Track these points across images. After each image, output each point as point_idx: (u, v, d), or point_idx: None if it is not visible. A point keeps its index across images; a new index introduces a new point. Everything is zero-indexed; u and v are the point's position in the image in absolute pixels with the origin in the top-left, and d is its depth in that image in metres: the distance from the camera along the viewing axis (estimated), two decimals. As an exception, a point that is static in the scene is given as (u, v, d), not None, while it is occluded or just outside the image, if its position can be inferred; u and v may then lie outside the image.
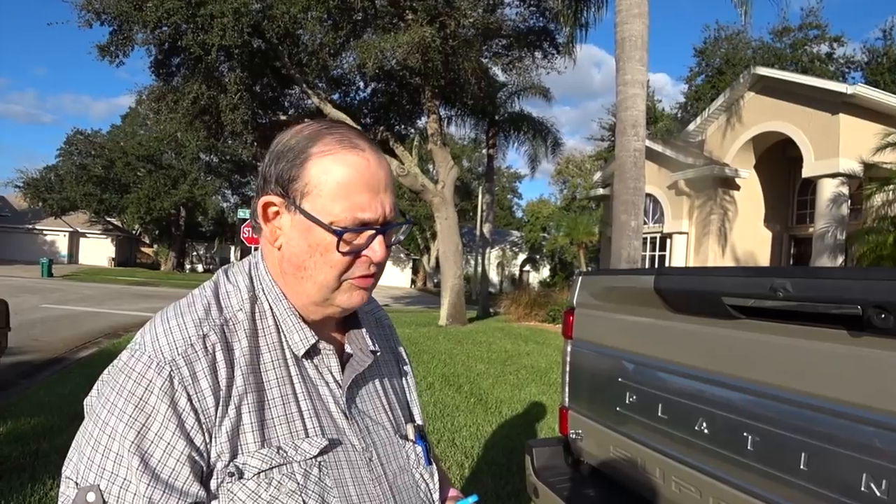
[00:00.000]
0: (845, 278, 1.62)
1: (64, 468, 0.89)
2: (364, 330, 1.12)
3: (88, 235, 46.33)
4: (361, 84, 17.09)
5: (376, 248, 0.96)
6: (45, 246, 43.70)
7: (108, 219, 46.96)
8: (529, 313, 17.69)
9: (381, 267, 1.00)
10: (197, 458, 0.87)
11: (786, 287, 1.66)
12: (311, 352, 1.01)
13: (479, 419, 6.10)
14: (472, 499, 1.04)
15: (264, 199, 0.97)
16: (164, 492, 0.84)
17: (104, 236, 46.99)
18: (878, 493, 1.46)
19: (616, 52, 9.78)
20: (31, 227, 44.37)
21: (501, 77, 18.83)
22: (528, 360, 10.02)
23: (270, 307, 1.00)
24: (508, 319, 17.90)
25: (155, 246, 52.60)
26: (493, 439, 5.48)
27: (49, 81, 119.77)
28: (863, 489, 1.49)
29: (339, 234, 0.92)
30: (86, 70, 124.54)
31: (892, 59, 31.82)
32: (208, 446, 0.88)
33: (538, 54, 16.78)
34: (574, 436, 2.79)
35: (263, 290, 1.01)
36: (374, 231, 0.95)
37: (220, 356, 0.91)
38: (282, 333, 0.99)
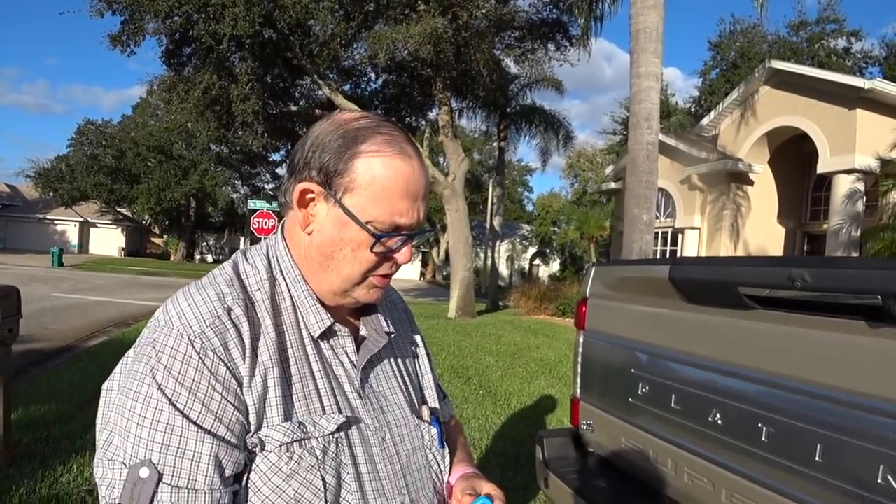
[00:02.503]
0: (865, 268, 1.59)
1: (101, 454, 0.89)
2: (379, 314, 1.13)
3: (99, 225, 46.60)
4: (373, 75, 17.11)
5: (405, 253, 1.00)
6: (55, 236, 43.96)
7: (119, 209, 47.20)
8: (539, 307, 17.66)
9: (399, 267, 1.04)
10: (243, 419, 0.90)
11: (804, 277, 1.63)
12: (327, 333, 1.03)
13: (488, 411, 6.09)
14: (483, 501, 1.04)
15: (303, 185, 0.97)
16: (227, 449, 0.87)
17: (114, 226, 47.26)
18: (895, 485, 1.43)
19: (630, 45, 9.71)
20: (41, 216, 44.67)
21: (513, 69, 18.75)
22: (538, 353, 10.00)
23: (288, 288, 1.02)
24: (518, 313, 17.89)
25: (165, 236, 52.86)
26: (502, 431, 5.47)
27: (60, 72, 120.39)
28: (879, 481, 1.47)
29: (377, 238, 0.95)
30: (97, 61, 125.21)
31: (910, 54, 31.48)
32: (247, 411, 0.91)
33: (551, 46, 16.70)
34: (585, 426, 2.77)
35: (282, 272, 1.03)
36: (405, 236, 0.98)
37: (244, 329, 0.93)
38: (299, 314, 1.01)
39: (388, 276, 1.03)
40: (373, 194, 0.94)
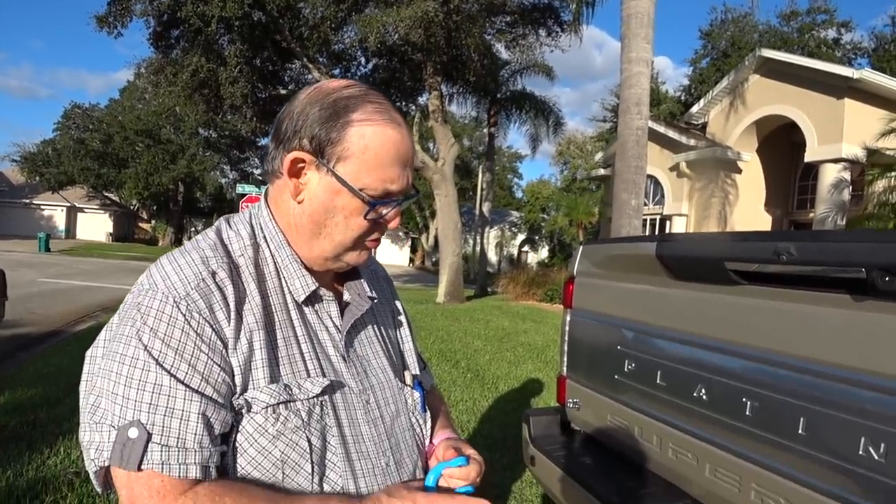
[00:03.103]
0: (850, 241, 1.60)
1: (88, 418, 0.89)
2: (362, 280, 1.15)
3: (86, 210, 46.13)
4: (363, 59, 16.96)
5: (395, 218, 1.03)
6: (42, 221, 43.47)
7: (106, 194, 46.72)
8: (527, 292, 17.71)
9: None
10: (229, 380, 0.91)
11: (790, 250, 1.64)
12: (312, 298, 1.04)
13: (476, 394, 6.12)
14: (460, 461, 1.05)
15: (294, 154, 0.97)
16: (214, 407, 0.88)
17: (102, 211, 46.80)
18: (876, 457, 1.45)
19: (622, 29, 9.69)
20: (28, 201, 44.12)
21: (504, 55, 18.66)
22: (526, 337, 10.04)
23: (272, 254, 1.03)
24: (506, 298, 17.93)
25: (153, 221, 52.51)
26: (489, 414, 5.50)
27: (45, 55, 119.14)
28: (861, 453, 1.48)
29: (372, 205, 0.97)
30: (83, 44, 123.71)
31: (899, 46, 31.60)
32: (233, 372, 0.91)
33: (542, 32, 16.62)
34: (571, 405, 2.79)
35: (266, 238, 1.04)
36: (396, 202, 1.01)
37: (229, 292, 0.94)
38: (283, 279, 1.02)
39: (378, 241, 1.06)
40: (365, 162, 0.96)
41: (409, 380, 1.18)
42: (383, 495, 0.94)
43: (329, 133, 0.96)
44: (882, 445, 1.44)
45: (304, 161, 0.97)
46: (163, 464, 0.83)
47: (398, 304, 1.32)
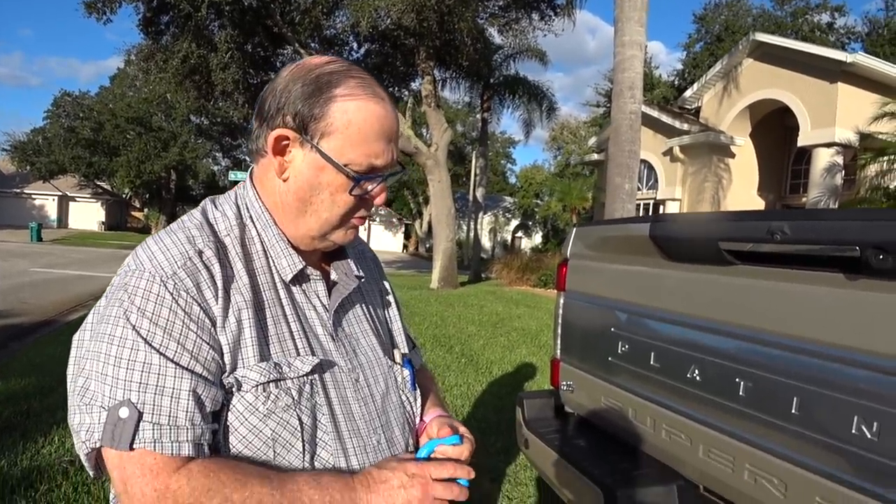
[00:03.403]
0: (844, 219, 1.59)
1: (77, 400, 0.89)
2: (349, 259, 1.15)
3: (78, 199, 45.89)
4: (355, 44, 16.85)
5: (380, 194, 1.03)
6: (33, 210, 43.20)
7: (98, 182, 46.50)
8: (521, 278, 17.77)
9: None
10: (218, 358, 0.90)
11: (783, 229, 1.63)
12: (299, 277, 1.03)
13: (470, 379, 6.13)
14: (454, 439, 1.06)
15: (277, 131, 0.96)
16: (205, 385, 0.88)
17: (94, 200, 46.55)
18: (869, 436, 1.45)
19: (615, 13, 9.63)
20: (19, 191, 43.80)
21: (497, 39, 18.58)
22: (519, 322, 10.06)
23: (259, 234, 1.02)
24: (500, 284, 17.98)
25: (145, 210, 52.25)
26: (483, 398, 5.52)
27: (35, 43, 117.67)
28: (854, 432, 1.48)
29: (356, 180, 0.96)
30: (73, 32, 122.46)
31: (892, 30, 31.63)
32: (222, 351, 0.91)
33: (536, 16, 16.55)
34: (565, 387, 2.79)
35: (252, 217, 1.03)
36: (381, 177, 1.00)
37: (216, 270, 0.93)
38: (270, 259, 1.02)
39: (365, 218, 1.04)
40: (349, 137, 0.95)
41: (398, 358, 1.18)
42: (374, 469, 0.96)
43: (312, 109, 0.95)
44: (875, 424, 1.44)
45: (288, 138, 0.96)
46: (155, 442, 0.82)
47: (386, 283, 1.32)
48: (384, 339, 1.18)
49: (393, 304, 1.29)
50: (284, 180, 0.99)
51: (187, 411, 0.84)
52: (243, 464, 0.88)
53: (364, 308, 1.16)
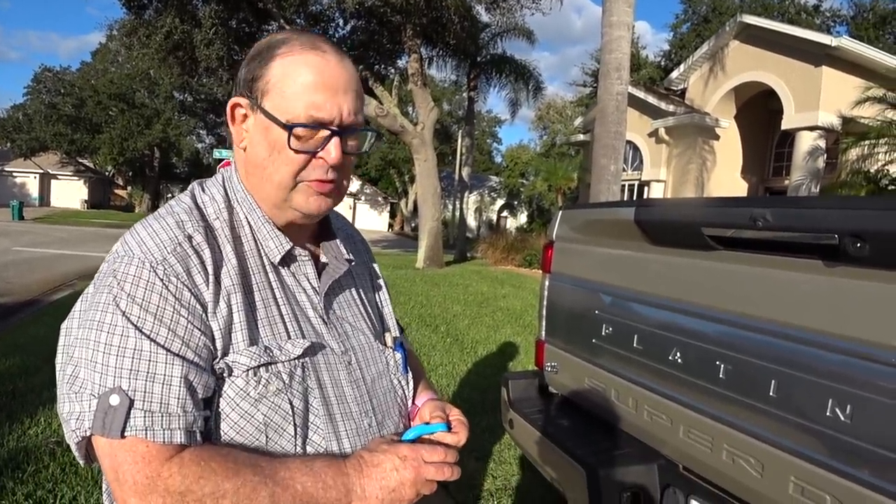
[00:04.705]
0: (824, 207, 1.62)
1: (67, 388, 0.88)
2: (338, 241, 1.14)
3: (60, 177, 45.27)
4: (341, 21, 16.64)
5: (331, 150, 0.96)
6: (14, 188, 42.59)
7: (80, 160, 45.84)
8: (506, 257, 17.82)
9: (341, 174, 1.01)
10: (209, 343, 0.90)
11: (765, 216, 1.66)
12: (287, 259, 1.03)
13: (455, 358, 6.18)
14: (441, 427, 1.07)
15: (232, 100, 0.99)
16: (196, 371, 0.87)
17: (76, 178, 45.94)
18: (842, 418, 1.49)
19: (602, -7, 9.60)
20: (-1, 169, 43.25)
21: (484, 17, 18.42)
22: (504, 302, 10.11)
23: (246, 216, 1.02)
24: (485, 263, 18.02)
25: (129, 188, 51.70)
26: (469, 378, 5.57)
27: (12, 16, 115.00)
28: (828, 414, 1.53)
29: (289, 129, 0.93)
30: (52, 4, 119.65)
31: (877, 14, 31.73)
32: (213, 336, 0.91)
33: (523, -6, 16.39)
34: (549, 368, 2.83)
35: (238, 201, 1.03)
36: (329, 133, 0.95)
37: (206, 255, 0.93)
38: (258, 241, 1.01)
39: (325, 182, 0.99)
40: (287, 91, 0.94)
41: (390, 341, 1.18)
42: (365, 452, 0.96)
43: (254, 71, 0.97)
44: (848, 407, 1.48)
45: (241, 106, 0.98)
46: (146, 429, 0.82)
47: (376, 267, 1.32)
48: (375, 323, 1.18)
49: (383, 288, 1.30)
50: (244, 149, 1.00)
51: (179, 398, 0.84)
52: (236, 451, 0.88)
53: (355, 291, 1.17)
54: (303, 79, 0.94)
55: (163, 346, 0.85)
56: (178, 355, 0.86)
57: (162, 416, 0.83)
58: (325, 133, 0.95)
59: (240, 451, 0.89)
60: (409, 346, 1.36)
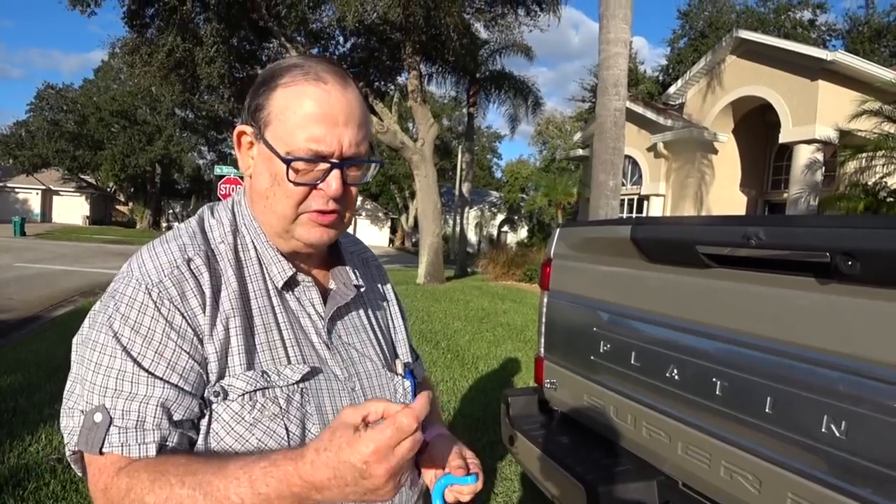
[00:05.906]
0: (816, 226, 1.65)
1: (64, 403, 0.91)
2: (348, 267, 1.13)
3: (62, 193, 45.39)
4: (341, 38, 16.80)
5: (331, 183, 0.95)
6: (16, 204, 42.68)
7: (82, 176, 46.01)
8: (507, 273, 17.81)
9: (344, 205, 1.00)
10: (199, 369, 0.90)
11: (758, 235, 1.69)
12: (291, 283, 1.02)
13: (456, 374, 6.18)
14: (472, 480, 1.00)
15: (238, 128, 1.00)
16: (178, 394, 0.88)
17: (78, 194, 46.05)
18: (837, 434, 1.51)
19: (600, 10, 9.67)
20: (1, 185, 43.26)
21: (483, 34, 18.57)
22: (505, 317, 10.12)
23: (252, 241, 1.02)
24: (486, 278, 18.02)
25: (130, 204, 51.76)
26: (469, 393, 5.56)
27: (16, 35, 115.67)
28: (823, 430, 1.55)
29: (287, 162, 0.92)
30: (55, 23, 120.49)
31: (872, 28, 31.97)
32: (207, 360, 0.91)
33: (521, 11, 16.55)
34: (549, 385, 2.84)
35: (245, 225, 1.04)
36: (329, 165, 0.94)
37: (205, 279, 0.93)
38: (263, 266, 1.01)
39: (326, 213, 0.97)
40: (287, 123, 0.93)
41: (399, 368, 1.15)
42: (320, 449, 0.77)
43: (257, 100, 0.96)
44: (843, 423, 1.50)
45: (247, 134, 0.99)
46: (122, 446, 0.84)
47: (391, 292, 1.30)
48: (385, 350, 1.15)
49: (397, 313, 1.27)
50: (250, 176, 1.01)
51: (155, 417, 0.85)
52: (174, 460, 0.84)
53: (364, 317, 1.14)
54: (303, 111, 0.93)
55: (146, 370, 0.86)
56: (161, 378, 0.87)
57: (136, 432, 0.85)
58: (324, 165, 0.94)
59: (191, 459, 0.86)
60: (422, 373, 1.31)
